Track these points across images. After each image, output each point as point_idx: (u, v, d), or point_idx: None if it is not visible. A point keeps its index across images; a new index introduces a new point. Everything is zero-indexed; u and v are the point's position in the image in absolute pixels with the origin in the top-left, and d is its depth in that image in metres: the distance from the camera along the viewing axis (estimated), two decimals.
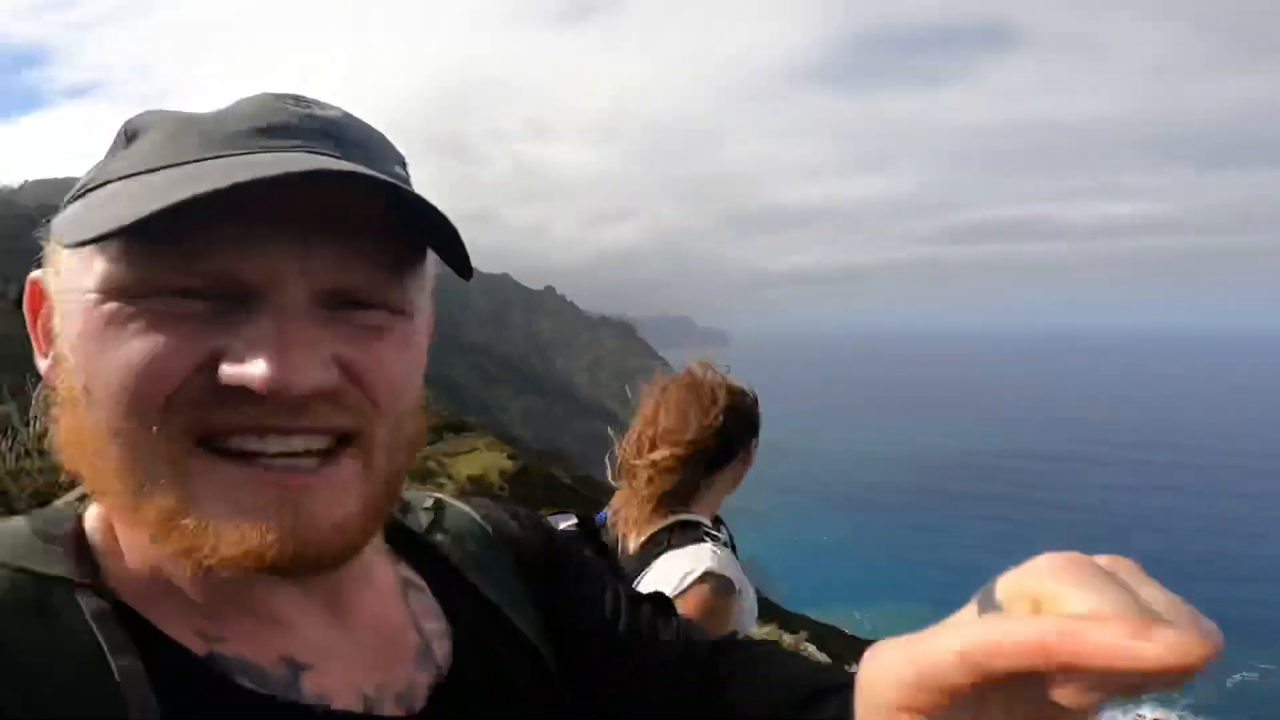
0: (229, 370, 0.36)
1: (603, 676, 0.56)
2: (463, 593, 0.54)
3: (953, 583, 63.63)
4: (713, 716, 0.55)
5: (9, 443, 4.21)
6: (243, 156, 0.37)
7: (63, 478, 0.42)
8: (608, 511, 1.51)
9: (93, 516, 0.45)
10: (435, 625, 0.51)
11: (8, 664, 0.35)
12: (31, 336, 0.44)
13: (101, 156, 0.43)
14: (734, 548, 1.50)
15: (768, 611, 26.78)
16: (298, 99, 0.42)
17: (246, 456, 0.38)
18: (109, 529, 0.44)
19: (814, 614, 34.72)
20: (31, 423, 4.05)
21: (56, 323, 0.41)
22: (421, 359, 0.45)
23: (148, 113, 0.43)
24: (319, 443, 0.39)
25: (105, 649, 0.37)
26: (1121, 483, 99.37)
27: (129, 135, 0.42)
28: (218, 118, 0.40)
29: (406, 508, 0.57)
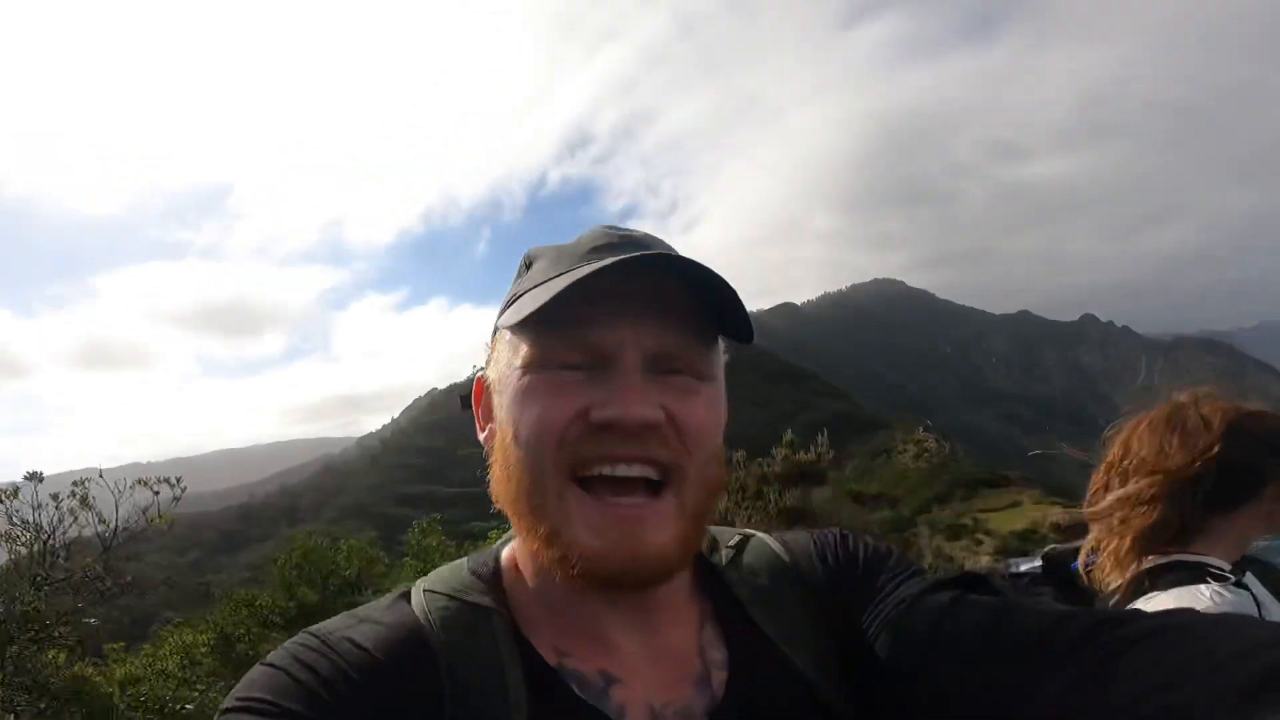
0: (596, 414, 0.54)
1: (940, 680, 0.57)
2: (744, 627, 0.64)
3: None
4: (1108, 701, 0.48)
5: None
6: (590, 264, 0.57)
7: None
8: (1078, 561, 1.33)
9: (505, 556, 0.66)
10: (717, 655, 0.62)
11: (452, 669, 0.55)
12: (475, 419, 0.67)
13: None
14: (1273, 598, 1.24)
15: None
16: (614, 227, 0.64)
17: (603, 484, 0.55)
18: (514, 566, 0.64)
19: None
20: None
21: (494, 400, 0.62)
22: (722, 417, 0.59)
23: (534, 248, 0.67)
24: (650, 472, 0.55)
25: (505, 664, 0.56)
26: None
27: (526, 263, 0.66)
28: (574, 244, 0.63)
29: (714, 545, 0.70)
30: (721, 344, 0.62)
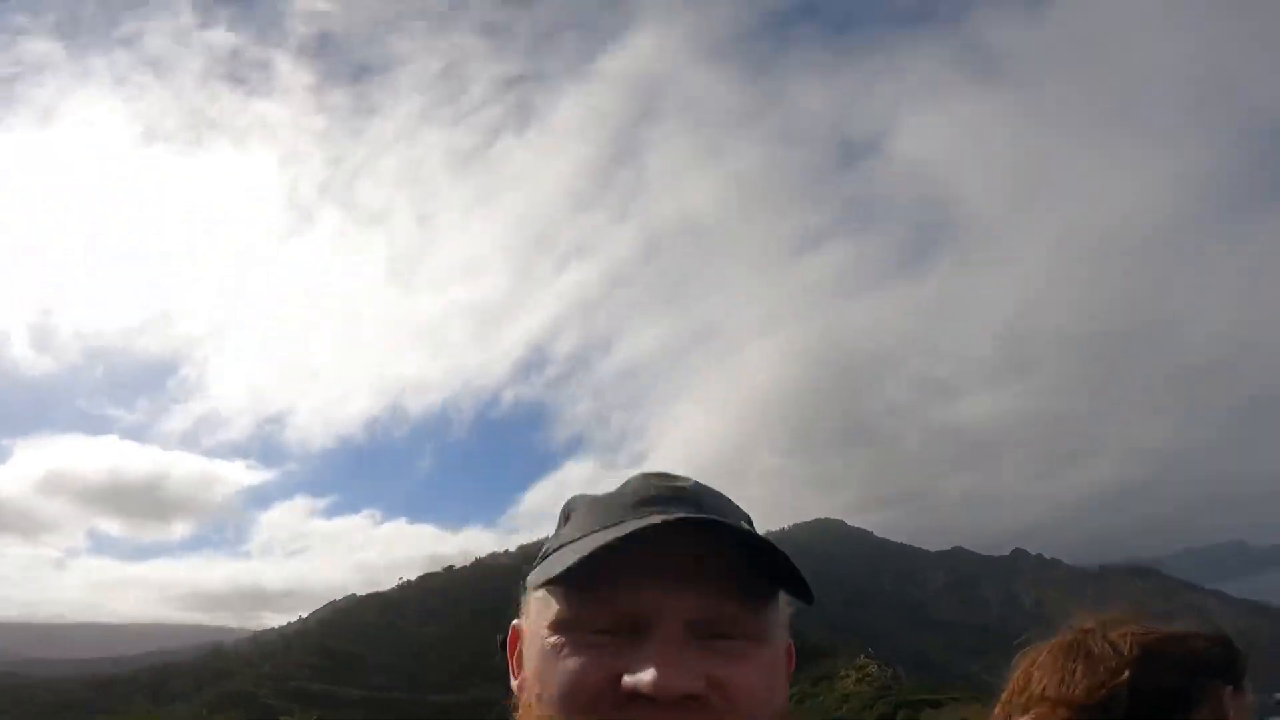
0: (628, 680, 0.55)
1: None
2: None
3: None
4: None
5: None
6: (629, 522, 0.56)
7: None
8: None
9: None
10: None
11: None
12: (509, 665, 0.66)
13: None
14: None
15: None
16: (661, 475, 0.59)
17: None
18: None
19: None
20: None
21: (525, 651, 0.62)
22: (779, 678, 0.56)
23: (574, 497, 0.62)
24: None
25: None
26: None
27: (565, 515, 0.62)
28: (613, 496, 0.59)
29: None
30: (782, 600, 0.58)
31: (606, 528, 0.56)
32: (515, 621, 0.65)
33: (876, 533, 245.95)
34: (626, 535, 0.52)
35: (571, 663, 0.56)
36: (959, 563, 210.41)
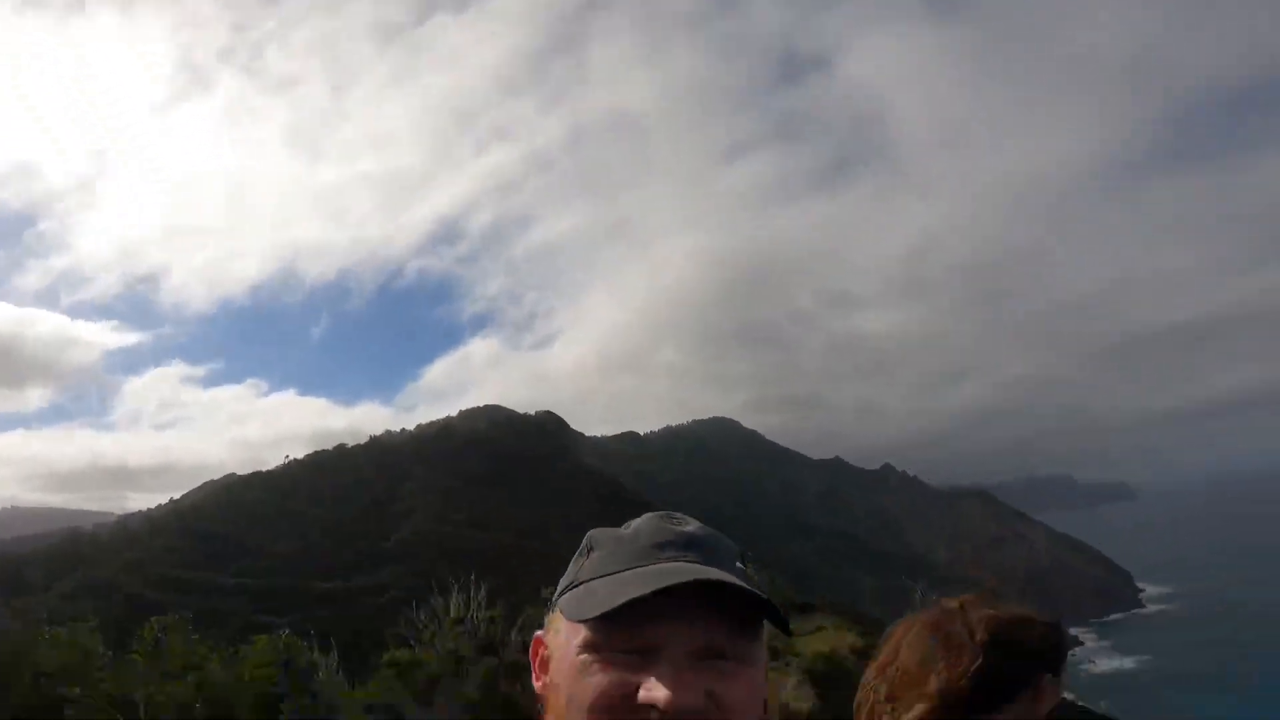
0: (644, 695, 0.66)
1: None
2: None
3: None
4: None
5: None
6: (654, 566, 0.68)
7: None
8: None
9: None
10: None
11: None
12: (532, 667, 0.75)
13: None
14: None
15: None
16: (671, 518, 0.73)
17: None
18: None
19: None
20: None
21: (552, 663, 0.71)
22: (761, 692, 0.69)
23: (595, 532, 0.75)
24: None
25: None
26: None
27: (588, 548, 0.74)
28: (633, 537, 0.71)
29: None
30: (765, 629, 0.70)
31: (631, 569, 0.68)
32: (538, 633, 0.77)
33: (767, 436, 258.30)
34: (656, 590, 0.65)
35: (599, 678, 0.67)
36: (836, 473, 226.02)
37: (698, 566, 0.68)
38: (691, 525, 0.72)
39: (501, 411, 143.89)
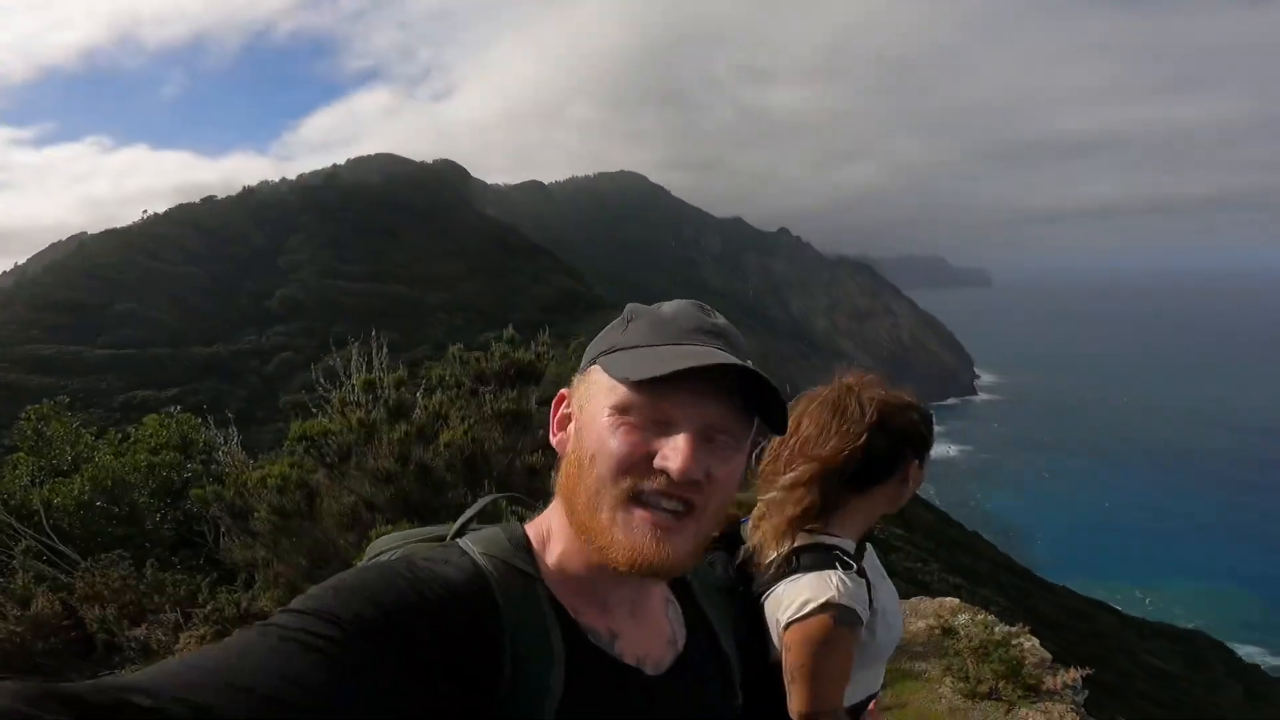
0: (659, 462, 0.73)
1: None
2: (694, 611, 0.95)
3: (1275, 563, 51.04)
4: None
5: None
6: (691, 346, 0.77)
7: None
8: (750, 519, 1.52)
9: (532, 533, 0.84)
10: (678, 627, 0.91)
11: (510, 619, 0.74)
12: (550, 419, 0.85)
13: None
14: (884, 571, 1.53)
15: (1012, 582, 25.08)
16: (703, 307, 0.83)
17: (650, 508, 0.74)
18: (541, 542, 0.83)
19: (1079, 587, 30.89)
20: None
21: (579, 418, 0.80)
22: (740, 478, 0.79)
23: (634, 306, 0.85)
24: (681, 506, 0.75)
25: (547, 620, 0.77)
26: None
27: (626, 320, 0.84)
28: (674, 318, 0.81)
29: None
30: (755, 424, 0.80)
31: (669, 345, 0.76)
32: (564, 389, 0.85)
33: (673, 192, 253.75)
34: (697, 367, 0.71)
35: (625, 439, 0.73)
36: (735, 233, 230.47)
37: (727, 355, 0.76)
38: (720, 318, 0.83)
39: (397, 161, 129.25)
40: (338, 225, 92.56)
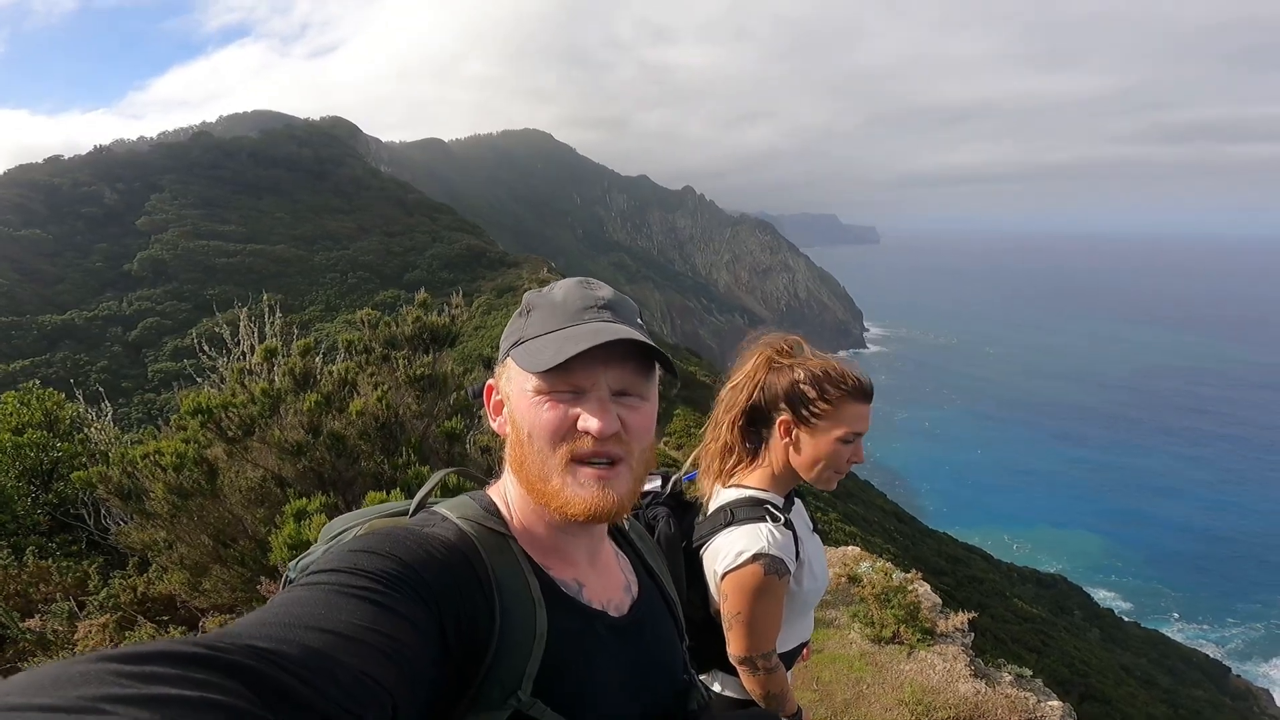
0: (581, 425, 0.84)
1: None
2: (638, 559, 1.07)
3: (1130, 514, 57.22)
4: None
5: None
6: (584, 325, 0.87)
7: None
8: (697, 471, 1.66)
9: (496, 499, 0.94)
10: (630, 574, 1.02)
11: (496, 574, 0.83)
12: (486, 409, 0.97)
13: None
14: (811, 526, 1.69)
15: (900, 529, 26.99)
16: (588, 283, 0.94)
17: (588, 464, 0.85)
18: (506, 506, 0.93)
19: (957, 533, 33.98)
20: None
21: (509, 404, 0.91)
22: (654, 423, 0.91)
23: (532, 295, 0.95)
24: (612, 459, 0.86)
25: (525, 572, 0.86)
26: None
27: (527, 310, 0.93)
28: (564, 301, 0.91)
29: None
30: (658, 372, 0.92)
31: (566, 328, 0.87)
32: (489, 380, 0.97)
33: (579, 150, 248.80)
34: (593, 345, 0.82)
35: (549, 413, 0.84)
36: (640, 191, 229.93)
37: (617, 325, 0.87)
38: (605, 290, 0.93)
39: (278, 117, 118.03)
40: (210, 184, 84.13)
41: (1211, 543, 52.85)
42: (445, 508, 0.91)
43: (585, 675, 0.85)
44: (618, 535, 1.08)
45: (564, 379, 0.85)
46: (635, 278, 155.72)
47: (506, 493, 0.93)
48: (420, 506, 0.94)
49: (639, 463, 0.89)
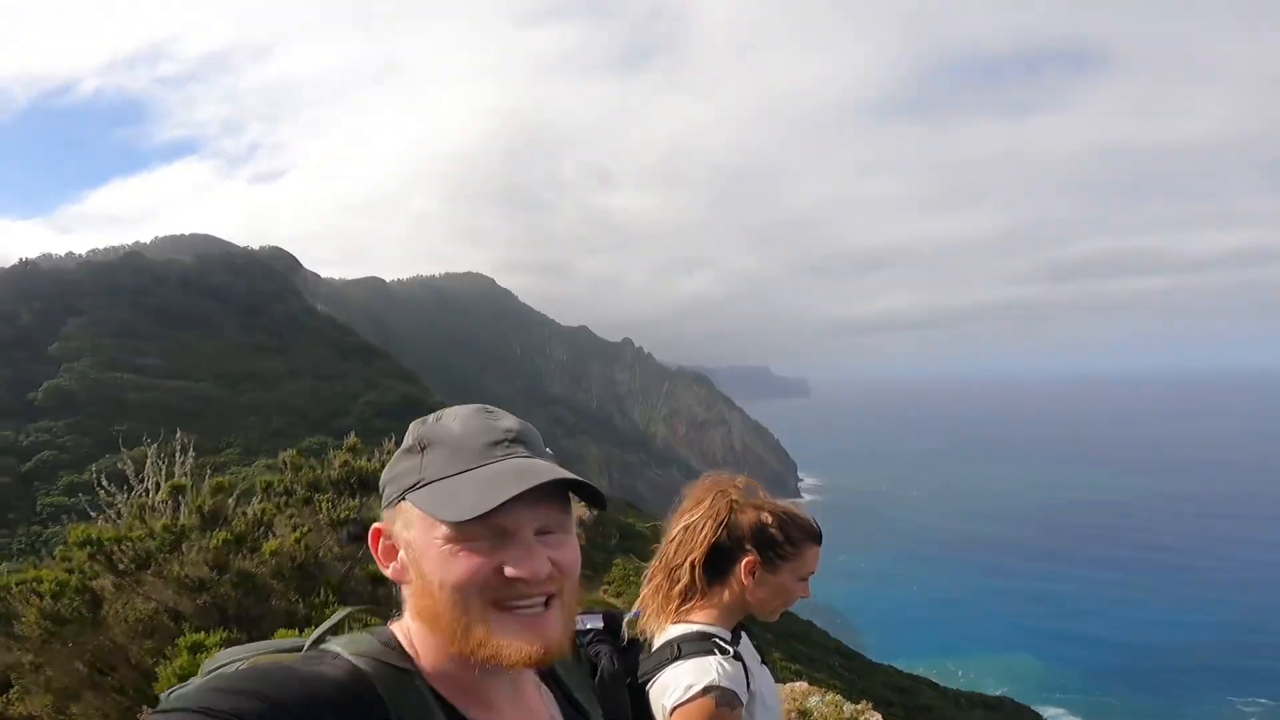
0: (510, 571, 0.79)
1: None
2: (564, 696, 1.00)
3: (1063, 635, 58.91)
4: None
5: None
6: (499, 464, 0.82)
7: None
8: (640, 610, 1.65)
9: (399, 635, 0.86)
10: (556, 713, 0.96)
11: (400, 715, 0.77)
12: (373, 554, 0.89)
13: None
14: (760, 658, 1.71)
15: (846, 664, 26.48)
16: (488, 411, 0.89)
17: (516, 610, 0.80)
18: (409, 643, 0.85)
19: (901, 664, 33.58)
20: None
21: (409, 552, 0.83)
22: (578, 554, 0.87)
23: (424, 430, 0.88)
24: (544, 600, 0.81)
25: (434, 713, 0.80)
26: (1249, 536, 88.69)
27: (420, 446, 0.86)
28: (464, 436, 0.84)
29: None
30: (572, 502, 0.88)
31: (478, 468, 0.81)
32: (376, 524, 0.88)
33: (521, 297, 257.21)
34: (522, 492, 0.78)
35: (468, 562, 0.78)
36: (580, 342, 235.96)
37: (535, 462, 0.83)
38: (510, 420, 0.88)
39: (214, 243, 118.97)
40: (133, 310, 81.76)
41: (1145, 655, 54.47)
42: (338, 644, 0.83)
43: None
44: (541, 670, 0.99)
45: (484, 525, 0.78)
46: (573, 431, 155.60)
47: (409, 629, 0.86)
48: (316, 644, 0.85)
49: (570, 600, 0.84)
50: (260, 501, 4.92)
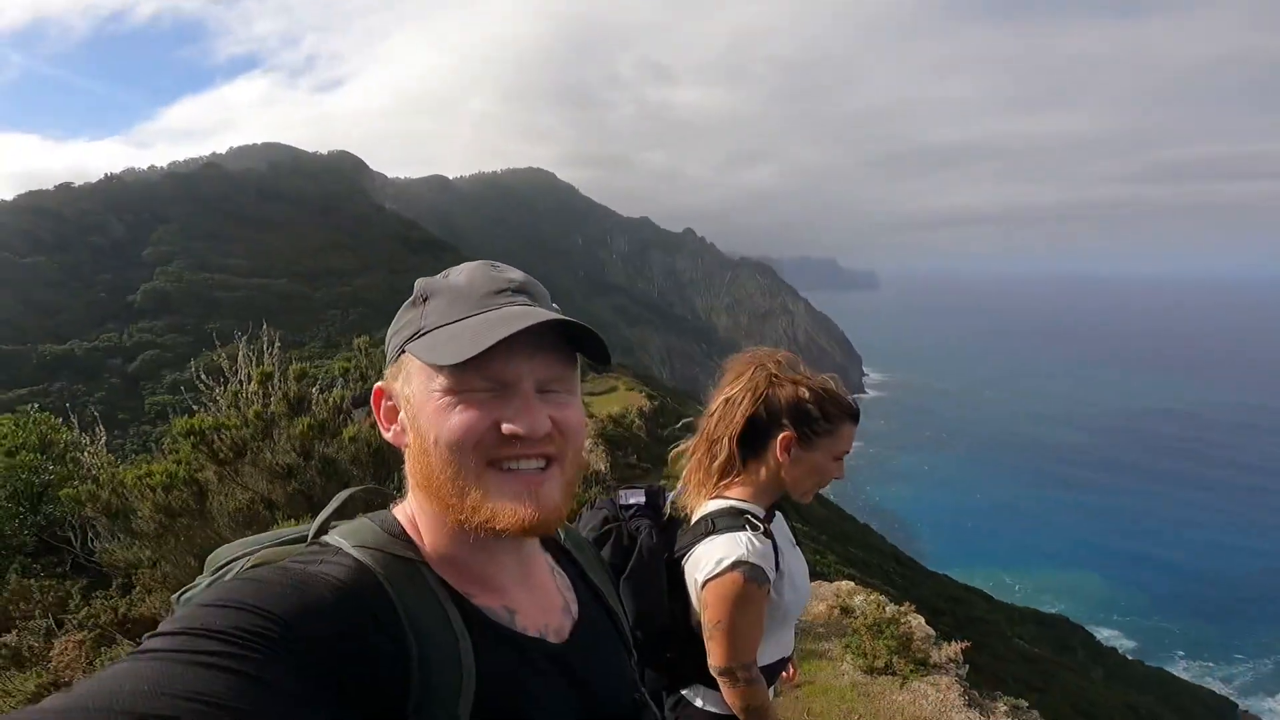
0: (506, 427, 0.72)
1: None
2: (579, 576, 0.96)
3: (1129, 555, 57.10)
4: None
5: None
6: (499, 310, 0.75)
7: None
8: (683, 486, 1.65)
9: (402, 520, 0.81)
10: (569, 593, 0.91)
11: (406, 608, 0.71)
12: (376, 418, 0.83)
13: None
14: (793, 540, 1.68)
15: (900, 570, 26.75)
16: (494, 265, 0.81)
17: (513, 471, 0.74)
18: (414, 528, 0.79)
19: (957, 574, 33.65)
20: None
21: (408, 409, 0.77)
22: (585, 419, 0.80)
23: (426, 282, 0.81)
24: (542, 462, 0.75)
25: (442, 603, 0.74)
26: None
27: (423, 296, 0.80)
28: (469, 286, 0.78)
29: None
30: (579, 361, 0.81)
31: (477, 315, 0.74)
32: (379, 384, 0.82)
33: (581, 189, 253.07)
34: (523, 330, 0.70)
35: (464, 415, 0.72)
36: (642, 232, 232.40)
37: (539, 309, 0.75)
38: (515, 272, 0.81)
39: (285, 150, 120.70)
40: (215, 216, 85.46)
41: (1212, 583, 52.47)
42: (340, 535, 0.76)
43: (526, 712, 0.75)
44: (553, 548, 0.96)
45: (480, 374, 0.73)
46: (635, 321, 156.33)
47: (414, 512, 0.80)
48: (322, 530, 0.79)
49: (572, 465, 0.78)
50: (339, 389, 5.04)
